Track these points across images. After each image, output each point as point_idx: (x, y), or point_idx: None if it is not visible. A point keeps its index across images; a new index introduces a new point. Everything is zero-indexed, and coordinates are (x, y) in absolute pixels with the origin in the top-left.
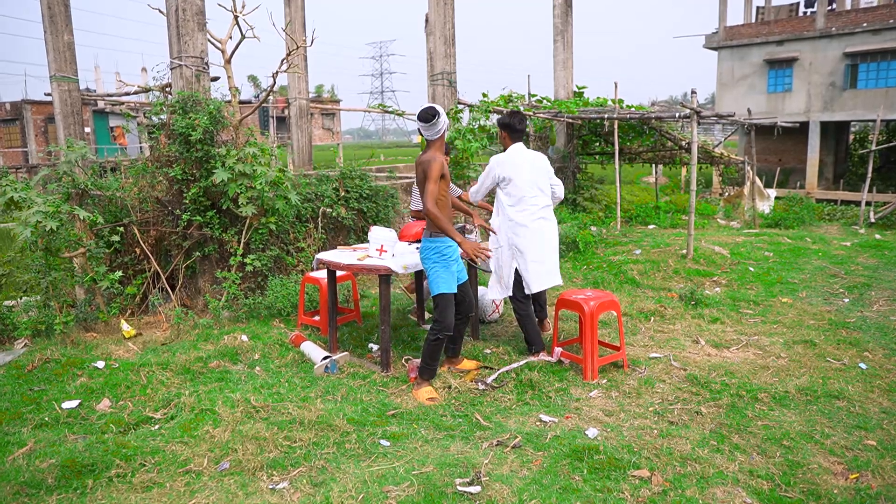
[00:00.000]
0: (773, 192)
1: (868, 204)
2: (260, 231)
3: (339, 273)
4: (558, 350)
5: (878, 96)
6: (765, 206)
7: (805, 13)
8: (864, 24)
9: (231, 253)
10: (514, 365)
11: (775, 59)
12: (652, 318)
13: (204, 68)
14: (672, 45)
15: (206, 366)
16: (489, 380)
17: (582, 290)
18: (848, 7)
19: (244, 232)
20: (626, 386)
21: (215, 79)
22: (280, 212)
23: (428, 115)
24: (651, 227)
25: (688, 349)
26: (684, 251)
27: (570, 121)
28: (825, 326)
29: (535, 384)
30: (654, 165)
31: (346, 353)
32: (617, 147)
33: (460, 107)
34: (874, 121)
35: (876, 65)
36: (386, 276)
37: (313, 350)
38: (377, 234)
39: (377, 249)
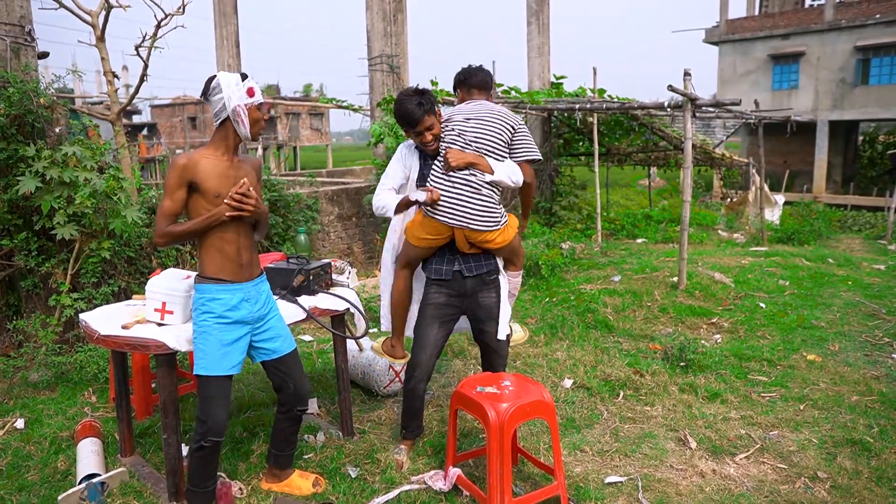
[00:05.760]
0: (781, 198)
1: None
2: (92, 259)
3: None
4: (454, 472)
5: (892, 93)
6: (773, 215)
7: (812, 5)
8: (877, 16)
9: (55, 289)
10: (379, 500)
11: (780, 53)
12: (621, 393)
13: (26, 40)
14: (668, 41)
15: None
16: None
17: (496, 375)
18: None
19: (72, 261)
20: None
21: (44, 55)
22: (118, 233)
23: (204, 87)
24: (640, 240)
25: (669, 459)
26: (675, 278)
27: (536, 113)
28: (876, 408)
29: None
30: (646, 168)
31: (123, 469)
32: (596, 145)
33: None
34: (887, 119)
35: (890, 59)
36: (167, 358)
37: (84, 459)
38: (159, 284)
39: (156, 310)
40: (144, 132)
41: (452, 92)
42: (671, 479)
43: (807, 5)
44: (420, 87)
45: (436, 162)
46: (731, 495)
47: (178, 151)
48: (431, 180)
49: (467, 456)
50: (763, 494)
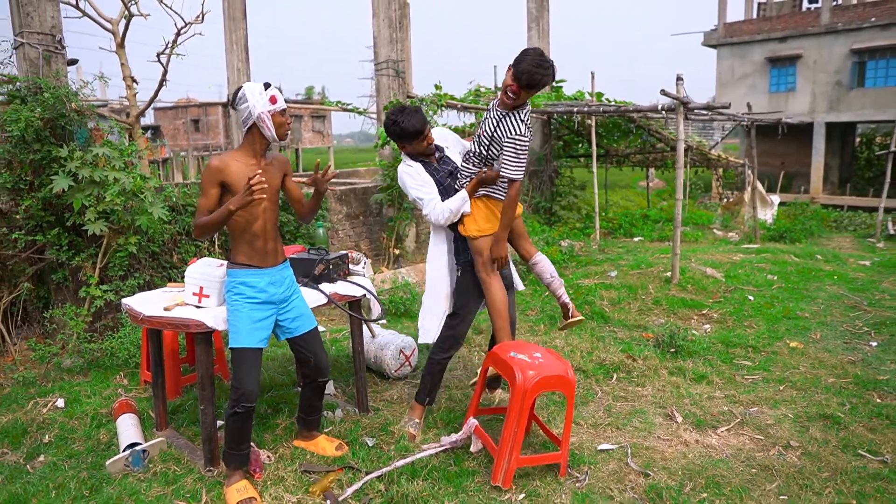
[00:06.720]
0: (776, 199)
1: (887, 212)
2: (119, 254)
3: None
4: (472, 422)
5: (887, 95)
6: (767, 215)
7: (809, 8)
8: (873, 19)
9: (84, 282)
10: (393, 466)
11: (777, 56)
12: (615, 376)
13: (57, 48)
14: (667, 44)
15: None
16: (345, 495)
17: (529, 345)
18: (855, 1)
19: (100, 255)
20: None
21: (73, 62)
22: (144, 229)
23: (231, 98)
24: (637, 239)
25: (656, 431)
26: (669, 273)
27: (536, 116)
28: (850, 389)
29: (414, 503)
30: (644, 169)
31: (162, 438)
32: (594, 147)
33: (407, 101)
34: (883, 121)
35: (885, 62)
36: (204, 336)
37: (125, 431)
38: (196, 270)
39: (194, 294)
40: (148, 134)
41: (519, 84)
42: (658, 447)
43: (803, 9)
44: (399, 106)
45: (463, 161)
46: (711, 460)
47: (181, 154)
48: (469, 173)
49: (487, 412)
50: (740, 460)
